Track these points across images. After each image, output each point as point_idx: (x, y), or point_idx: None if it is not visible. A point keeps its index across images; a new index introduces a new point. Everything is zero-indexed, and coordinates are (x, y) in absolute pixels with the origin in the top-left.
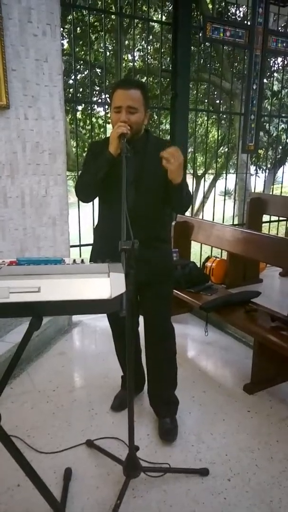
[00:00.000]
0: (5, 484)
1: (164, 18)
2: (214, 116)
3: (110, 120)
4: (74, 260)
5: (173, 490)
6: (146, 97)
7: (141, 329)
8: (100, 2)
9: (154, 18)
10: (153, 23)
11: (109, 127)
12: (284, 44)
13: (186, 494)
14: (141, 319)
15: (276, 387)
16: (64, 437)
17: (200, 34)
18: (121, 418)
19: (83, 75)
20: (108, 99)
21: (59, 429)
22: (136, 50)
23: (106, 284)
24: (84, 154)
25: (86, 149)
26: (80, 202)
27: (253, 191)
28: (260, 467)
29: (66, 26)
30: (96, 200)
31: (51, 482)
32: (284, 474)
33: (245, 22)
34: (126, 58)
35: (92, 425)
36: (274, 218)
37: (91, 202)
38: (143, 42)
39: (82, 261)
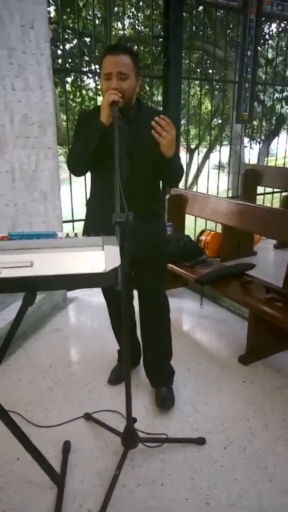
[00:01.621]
0: (5, 458)
1: None
2: (207, 87)
3: (100, 90)
4: (67, 234)
5: (171, 459)
6: (137, 63)
7: (136, 302)
8: None
9: None
10: None
11: (100, 99)
12: (280, 7)
13: (183, 463)
14: (135, 292)
15: (270, 358)
16: (62, 411)
17: None
18: (118, 391)
19: (72, 44)
20: (98, 70)
21: (57, 403)
22: (126, 17)
23: (101, 258)
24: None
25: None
26: (72, 176)
27: (247, 163)
28: (256, 435)
29: None
30: (88, 173)
31: (50, 455)
32: (279, 441)
33: None
34: (116, 26)
35: (90, 399)
36: (268, 190)
37: (83, 176)
38: (133, 8)
39: (76, 235)
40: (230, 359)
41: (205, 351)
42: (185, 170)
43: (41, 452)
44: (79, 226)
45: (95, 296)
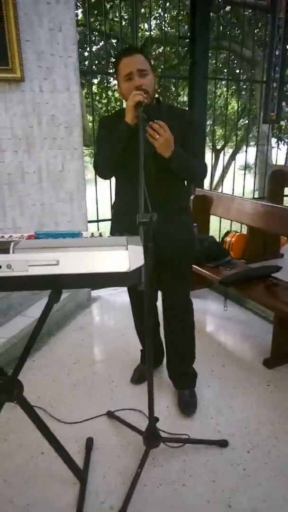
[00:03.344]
0: (30, 452)
1: None
2: (233, 87)
3: (119, 95)
4: (92, 234)
5: (193, 461)
6: (150, 61)
7: (159, 303)
8: None
9: None
10: None
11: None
12: None
13: (205, 464)
14: (159, 293)
15: None
16: (85, 409)
17: None
18: (140, 391)
19: (98, 46)
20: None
21: (80, 400)
22: (152, 18)
23: (125, 257)
24: None
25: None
26: (97, 177)
27: (274, 164)
28: (280, 440)
29: None
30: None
31: (73, 451)
32: None
33: None
34: (142, 27)
35: (112, 397)
36: None
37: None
38: (160, 9)
39: (100, 234)
40: (254, 362)
41: (229, 354)
42: (209, 170)
43: (65, 448)
44: (104, 226)
45: (119, 296)
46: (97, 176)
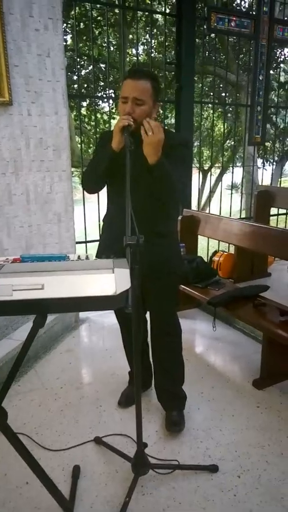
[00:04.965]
0: (14, 482)
1: (168, 10)
2: (220, 109)
3: (117, 111)
4: (79, 257)
5: (182, 487)
6: (156, 89)
7: (148, 325)
8: None
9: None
10: (157, 16)
11: (114, 122)
12: None
13: (195, 491)
14: (148, 316)
15: (285, 382)
16: (72, 434)
17: (205, 25)
18: (129, 415)
19: (87, 70)
20: (112, 94)
21: (67, 426)
22: (140, 44)
23: (111, 280)
24: (90, 150)
25: (91, 145)
26: (85, 198)
27: (260, 184)
28: (271, 463)
29: (69, 22)
30: (102, 194)
31: (59, 480)
32: None
33: (251, 12)
34: (130, 52)
35: (100, 422)
36: (282, 211)
37: (96, 197)
38: (147, 35)
39: (87, 257)
40: (244, 383)
41: (218, 375)
42: (196, 190)
43: (50, 477)
44: (92, 247)
45: (107, 317)
46: (84, 194)
